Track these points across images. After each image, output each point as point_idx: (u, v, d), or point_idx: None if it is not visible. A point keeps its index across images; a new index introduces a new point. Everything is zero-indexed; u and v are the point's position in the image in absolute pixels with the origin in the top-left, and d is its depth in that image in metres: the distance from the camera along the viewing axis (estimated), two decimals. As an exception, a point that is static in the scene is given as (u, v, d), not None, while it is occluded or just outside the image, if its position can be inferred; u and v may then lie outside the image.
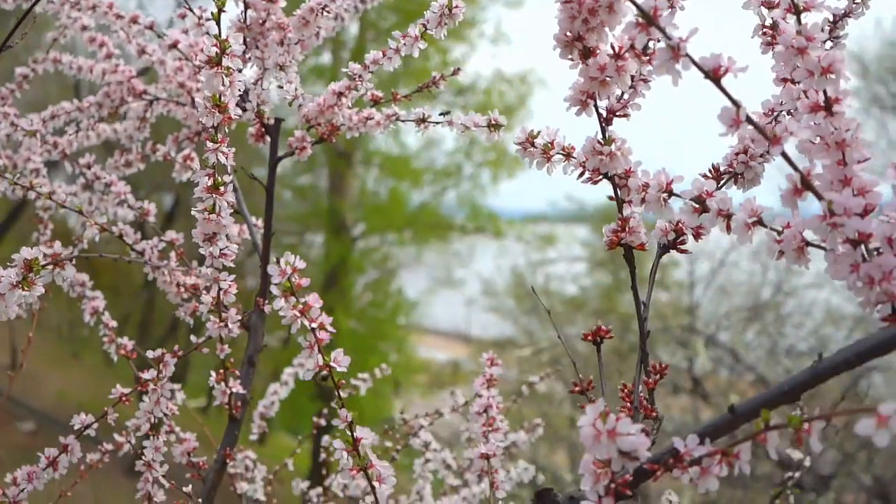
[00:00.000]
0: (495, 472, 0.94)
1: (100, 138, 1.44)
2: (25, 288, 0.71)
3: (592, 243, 10.95)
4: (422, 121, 0.98)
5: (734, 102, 0.53)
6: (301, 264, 0.65)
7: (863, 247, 0.55)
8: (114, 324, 1.13)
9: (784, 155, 0.54)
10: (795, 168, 0.54)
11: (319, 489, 1.58)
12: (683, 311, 6.32)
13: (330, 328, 0.66)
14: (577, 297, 10.01)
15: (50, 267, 0.69)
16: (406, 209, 12.00)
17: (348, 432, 0.68)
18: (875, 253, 0.54)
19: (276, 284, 0.64)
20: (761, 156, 0.72)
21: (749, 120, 0.53)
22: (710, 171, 0.73)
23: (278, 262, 0.64)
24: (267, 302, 0.97)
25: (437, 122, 0.97)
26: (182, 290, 1.05)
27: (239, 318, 0.95)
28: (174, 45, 1.06)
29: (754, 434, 0.50)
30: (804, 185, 0.54)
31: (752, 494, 5.73)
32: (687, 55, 0.52)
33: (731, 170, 0.72)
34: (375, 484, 0.68)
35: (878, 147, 9.21)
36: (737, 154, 0.72)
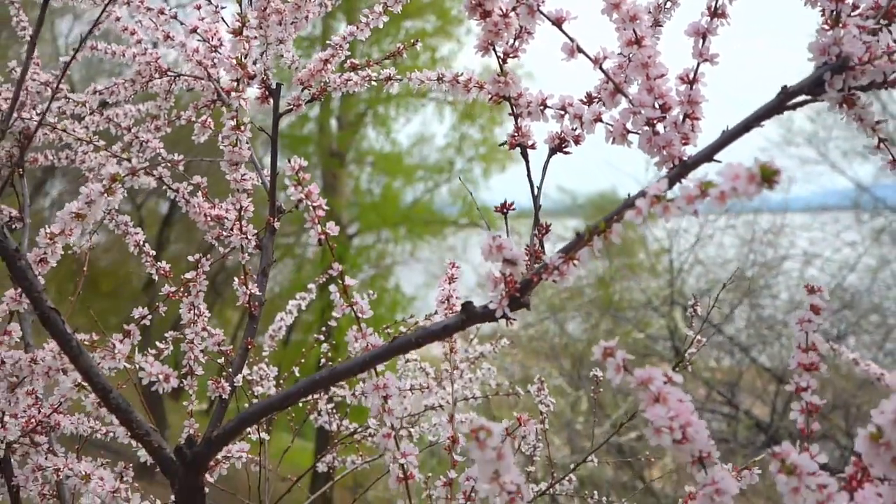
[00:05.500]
0: (453, 342, 1.26)
1: (127, 117, 1.76)
2: (110, 194, 1.02)
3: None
4: (388, 79, 1.30)
5: (570, 39, 0.84)
6: (304, 162, 0.96)
7: (661, 127, 0.86)
8: (153, 252, 1.44)
9: (602, 70, 0.85)
10: (612, 81, 0.86)
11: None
12: (666, 285, 6.66)
13: (325, 207, 0.97)
14: (572, 286, 10.33)
15: (129, 176, 1.00)
16: (399, 206, 12.30)
17: (339, 280, 0.99)
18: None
19: (287, 176, 0.95)
20: (625, 81, 1.04)
21: (579, 49, 0.84)
22: (585, 96, 1.04)
23: (289, 160, 0.95)
24: (277, 220, 1.28)
25: (399, 80, 1.29)
26: (208, 219, 1.36)
27: (255, 231, 1.26)
28: (194, 30, 1.37)
29: (584, 241, 0.81)
30: (616, 89, 0.85)
31: (731, 456, 6.06)
32: (539, 10, 0.84)
33: (598, 96, 1.03)
34: (359, 314, 0.99)
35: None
36: (603, 83, 1.03)
